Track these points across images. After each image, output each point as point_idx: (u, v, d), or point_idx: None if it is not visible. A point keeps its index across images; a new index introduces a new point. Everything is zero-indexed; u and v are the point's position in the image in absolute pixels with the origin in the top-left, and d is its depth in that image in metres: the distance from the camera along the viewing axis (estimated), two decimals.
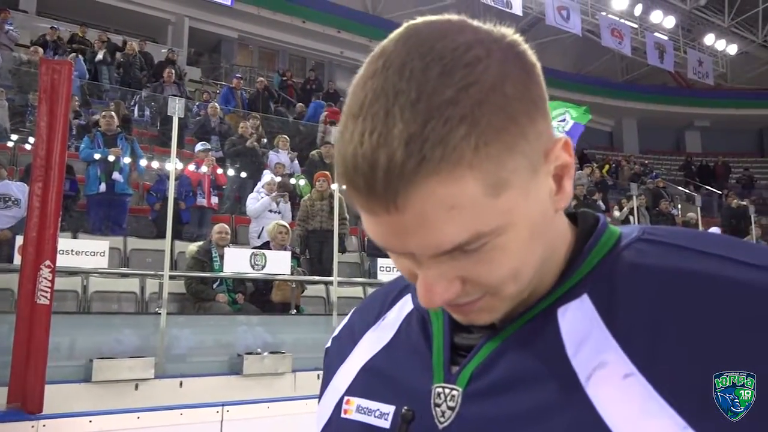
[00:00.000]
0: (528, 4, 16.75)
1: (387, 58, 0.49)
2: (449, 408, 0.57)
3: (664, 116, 22.69)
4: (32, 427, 3.70)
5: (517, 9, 16.04)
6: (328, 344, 0.77)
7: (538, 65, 0.53)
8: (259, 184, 8.08)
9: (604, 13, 18.05)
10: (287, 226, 6.75)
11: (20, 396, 3.78)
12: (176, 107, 5.37)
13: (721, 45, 20.33)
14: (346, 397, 0.67)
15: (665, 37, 19.32)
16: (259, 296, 6.34)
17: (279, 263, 6.11)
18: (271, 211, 7.75)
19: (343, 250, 7.20)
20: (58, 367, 4.27)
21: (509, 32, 0.53)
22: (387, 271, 6.60)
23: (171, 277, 5.42)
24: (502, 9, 15.43)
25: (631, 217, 9.98)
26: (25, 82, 9.75)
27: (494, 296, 0.54)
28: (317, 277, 6.95)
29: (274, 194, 7.81)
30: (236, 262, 5.94)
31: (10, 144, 8.75)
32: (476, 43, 0.49)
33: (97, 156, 7.34)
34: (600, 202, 11.42)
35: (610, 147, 22.86)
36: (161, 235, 6.46)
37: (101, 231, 7.19)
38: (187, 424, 4.10)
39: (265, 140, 10.33)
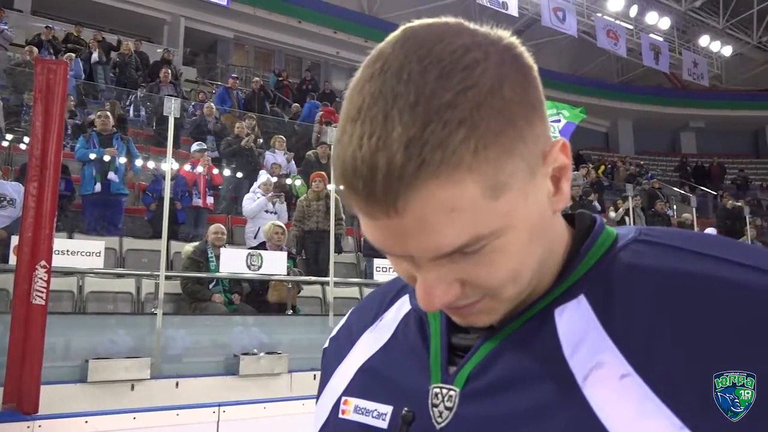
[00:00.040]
0: (524, 5, 16.75)
1: (385, 61, 0.49)
2: (447, 408, 0.57)
3: (659, 117, 22.72)
4: (28, 427, 3.68)
5: (513, 10, 16.05)
6: (326, 345, 0.77)
7: (535, 68, 0.54)
8: (255, 185, 8.07)
9: (599, 15, 18.06)
10: (283, 226, 6.74)
11: (16, 396, 3.77)
12: (172, 107, 5.35)
13: (716, 46, 20.36)
14: (343, 398, 0.67)
15: (660, 39, 19.35)
16: (255, 297, 6.33)
17: (275, 264, 6.10)
18: (267, 211, 7.75)
19: (339, 250, 7.19)
20: (54, 368, 4.26)
21: (506, 35, 0.53)
22: (383, 271, 6.59)
23: (167, 278, 5.41)
24: (498, 10, 15.44)
25: (626, 218, 9.99)
26: (21, 82, 9.72)
27: (493, 298, 0.55)
28: (313, 278, 6.94)
29: (270, 194, 7.81)
30: (232, 262, 5.93)
31: (5, 144, 8.72)
32: (474, 46, 0.49)
33: (92, 156, 7.32)
34: (596, 203, 11.46)
35: (605, 148, 22.86)
36: (157, 236, 6.46)
37: (97, 231, 7.17)
38: (184, 425, 4.09)
39: (261, 140, 10.31)
